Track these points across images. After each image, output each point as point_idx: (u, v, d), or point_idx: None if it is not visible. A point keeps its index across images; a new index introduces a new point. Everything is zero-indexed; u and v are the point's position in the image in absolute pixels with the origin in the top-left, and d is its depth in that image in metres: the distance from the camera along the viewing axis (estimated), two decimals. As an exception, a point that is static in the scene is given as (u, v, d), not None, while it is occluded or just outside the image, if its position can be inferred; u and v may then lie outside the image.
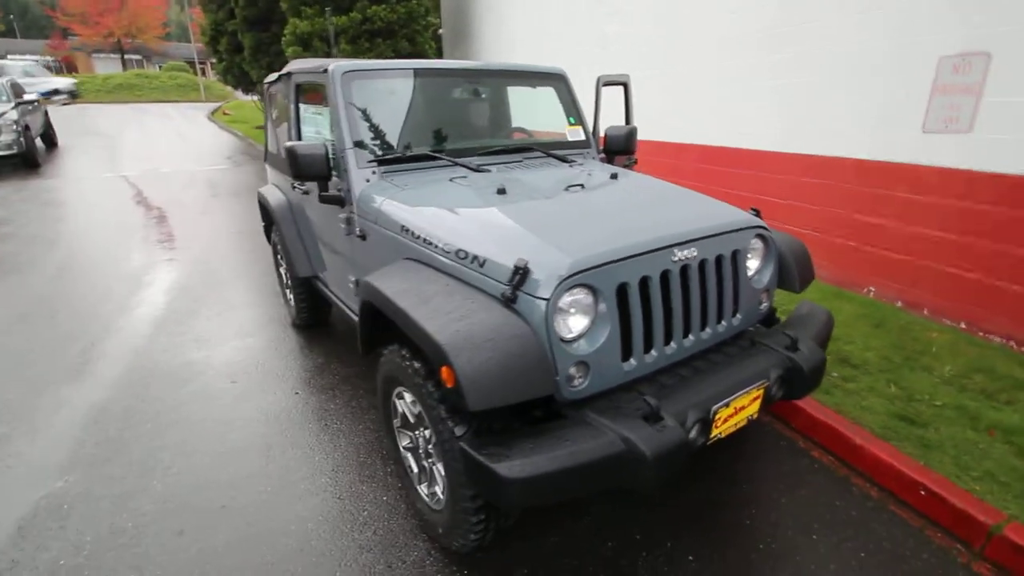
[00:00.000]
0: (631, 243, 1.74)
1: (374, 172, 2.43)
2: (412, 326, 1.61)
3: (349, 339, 3.77)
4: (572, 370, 1.62)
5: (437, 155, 2.56)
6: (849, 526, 2.10)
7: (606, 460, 1.49)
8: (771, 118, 4.44)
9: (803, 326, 2.20)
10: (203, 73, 31.55)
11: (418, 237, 1.98)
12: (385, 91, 2.59)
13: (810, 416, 2.59)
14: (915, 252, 3.62)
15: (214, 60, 19.29)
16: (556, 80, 3.11)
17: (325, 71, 2.50)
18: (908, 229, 3.63)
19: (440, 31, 14.20)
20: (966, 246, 3.34)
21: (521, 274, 1.58)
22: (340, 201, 2.47)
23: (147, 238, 6.31)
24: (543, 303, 1.56)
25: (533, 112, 3.20)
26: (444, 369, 1.47)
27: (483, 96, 2.96)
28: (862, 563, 1.94)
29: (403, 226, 2.06)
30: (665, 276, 1.77)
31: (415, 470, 2.08)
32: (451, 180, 2.38)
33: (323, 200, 2.47)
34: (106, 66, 34.31)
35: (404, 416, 2.05)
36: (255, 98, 18.45)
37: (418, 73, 2.70)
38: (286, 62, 16.50)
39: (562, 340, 1.59)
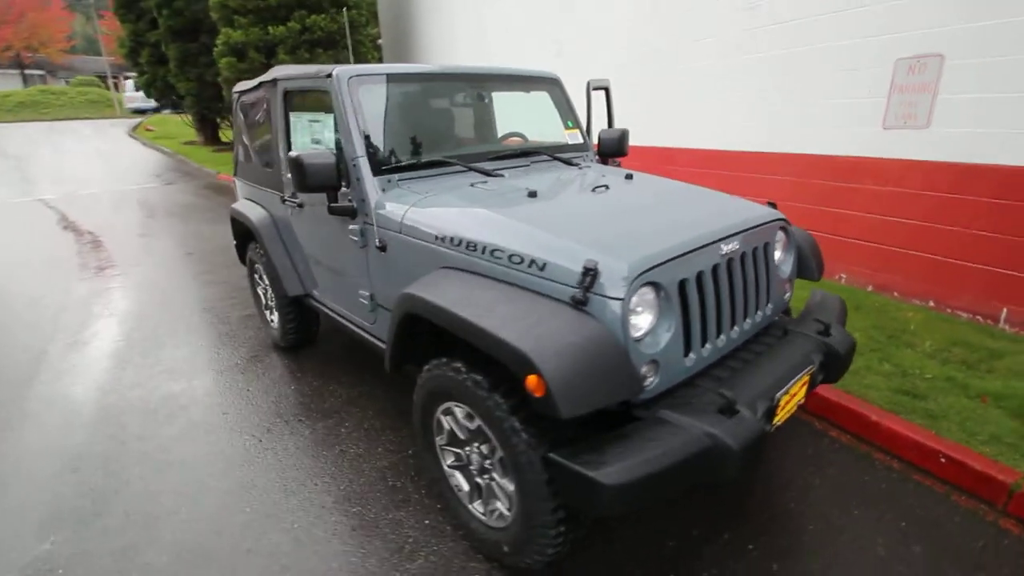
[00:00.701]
0: (686, 239, 1.75)
1: (389, 180, 2.32)
2: (482, 336, 1.54)
3: (346, 357, 3.57)
4: (644, 369, 1.60)
5: (450, 161, 2.49)
6: (882, 499, 2.20)
7: (696, 457, 1.47)
8: (743, 120, 4.66)
9: (825, 312, 2.30)
10: (116, 88, 29.35)
11: (459, 244, 1.90)
12: (391, 96, 2.48)
13: (823, 398, 2.71)
14: (882, 239, 3.90)
15: (134, 74, 18.00)
16: (551, 84, 3.11)
17: (329, 76, 2.37)
18: (874, 218, 3.91)
19: (380, 41, 13.97)
20: (928, 230, 3.63)
21: (592, 275, 1.54)
22: (351, 212, 2.34)
23: (85, 265, 5.76)
24: (617, 303, 1.53)
25: (529, 117, 3.18)
26: (532, 378, 1.40)
27: (485, 100, 2.91)
28: (905, 532, 2.03)
29: (439, 235, 1.97)
30: (715, 270, 1.80)
31: (465, 488, 1.99)
32: (472, 186, 2.31)
33: (332, 212, 2.33)
34: (4, 82, 31.20)
35: (452, 433, 1.95)
36: (181, 114, 17.37)
37: (422, 77, 2.62)
38: (217, 74, 15.76)
39: (634, 340, 1.57)
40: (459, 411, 1.85)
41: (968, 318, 3.49)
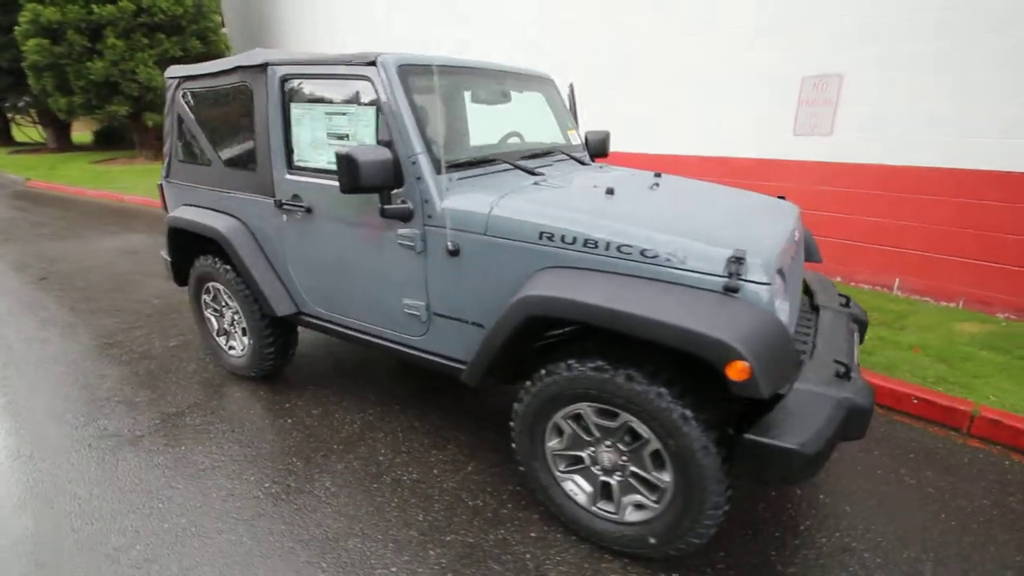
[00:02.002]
0: (784, 229, 1.94)
1: (450, 179, 2.16)
2: (662, 329, 1.53)
3: (332, 376, 3.19)
4: None
5: (498, 159, 2.40)
6: (880, 439, 2.66)
7: (847, 420, 1.65)
8: (680, 127, 5.15)
9: (826, 288, 2.69)
10: None
11: (573, 242, 1.85)
12: (435, 88, 2.30)
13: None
14: (794, 227, 4.62)
15: None
16: (548, 84, 3.14)
17: (372, 63, 2.12)
18: (787, 210, 4.63)
19: (224, 29, 12.50)
20: (835, 219, 4.41)
21: (740, 264, 1.64)
22: (407, 215, 2.13)
23: None
24: (766, 288, 1.65)
25: (528, 116, 3.17)
26: (738, 364, 1.44)
27: (510, 98, 2.83)
28: (901, 459, 2.48)
29: (545, 233, 1.90)
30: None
31: (586, 491, 1.95)
32: (536, 184, 2.25)
33: (386, 214, 2.10)
34: None
35: (573, 437, 1.90)
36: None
37: (463, 71, 2.48)
38: (19, 59, 13.06)
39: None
40: (589, 410, 1.82)
41: (869, 288, 4.32)
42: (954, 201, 3.84)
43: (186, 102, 2.96)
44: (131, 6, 10.31)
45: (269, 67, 2.45)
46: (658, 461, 1.75)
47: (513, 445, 2.07)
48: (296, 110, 2.42)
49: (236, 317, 3.08)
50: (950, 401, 2.72)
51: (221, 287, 3.03)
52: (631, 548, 1.89)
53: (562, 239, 1.88)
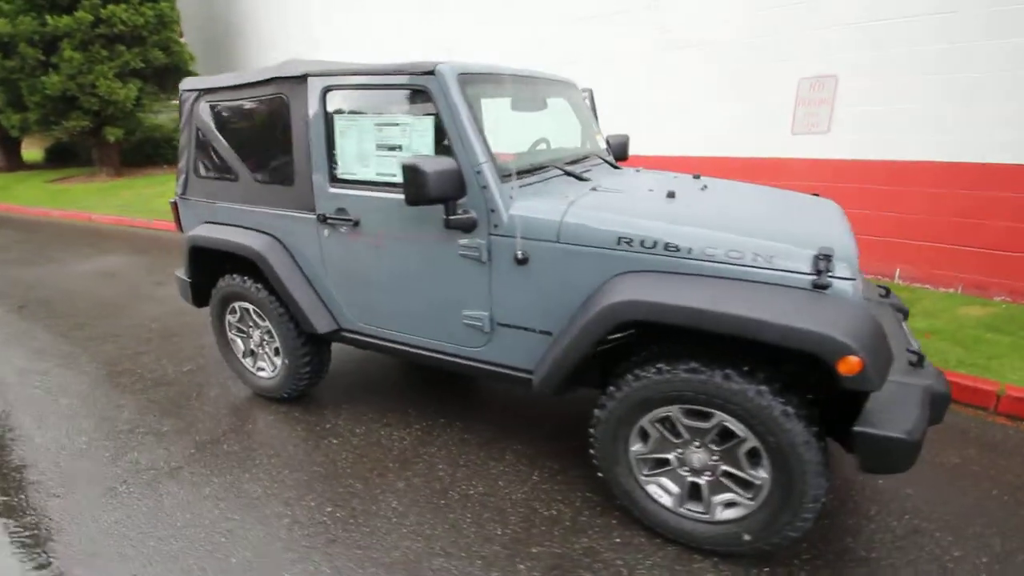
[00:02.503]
0: (845, 225, 2.01)
1: (513, 187, 2.14)
2: (773, 328, 1.55)
3: (367, 391, 3.11)
4: None
5: (551, 165, 2.40)
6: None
7: (932, 407, 1.72)
8: (679, 129, 5.26)
9: (865, 281, 2.79)
10: None
11: (654, 246, 1.87)
12: (490, 97, 2.29)
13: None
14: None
15: None
16: (572, 90, 3.16)
17: (430, 73, 2.08)
18: (787, 206, 4.79)
19: (182, 39, 12.06)
20: (830, 214, 4.58)
21: (827, 262, 1.68)
22: (470, 225, 2.10)
23: None
24: (852, 283, 1.70)
25: (556, 123, 3.17)
26: (850, 359, 1.48)
27: (547, 105, 2.83)
28: (937, 438, 2.60)
29: (624, 238, 1.91)
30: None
31: (675, 492, 1.95)
32: (595, 190, 2.26)
33: (451, 225, 2.07)
34: None
35: (659, 439, 1.91)
36: None
37: (505, 79, 2.46)
38: None
39: None
40: (681, 413, 1.83)
41: (872, 278, 4.51)
42: (947, 192, 4.06)
43: (208, 115, 2.84)
44: (89, 17, 9.82)
45: (310, 78, 2.38)
46: (753, 458, 1.78)
47: (592, 452, 2.07)
48: (341, 122, 2.36)
49: (266, 337, 2.96)
50: (975, 382, 2.87)
51: (250, 307, 2.91)
52: (723, 546, 1.90)
53: (641, 244, 1.89)
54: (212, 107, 2.82)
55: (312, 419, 2.91)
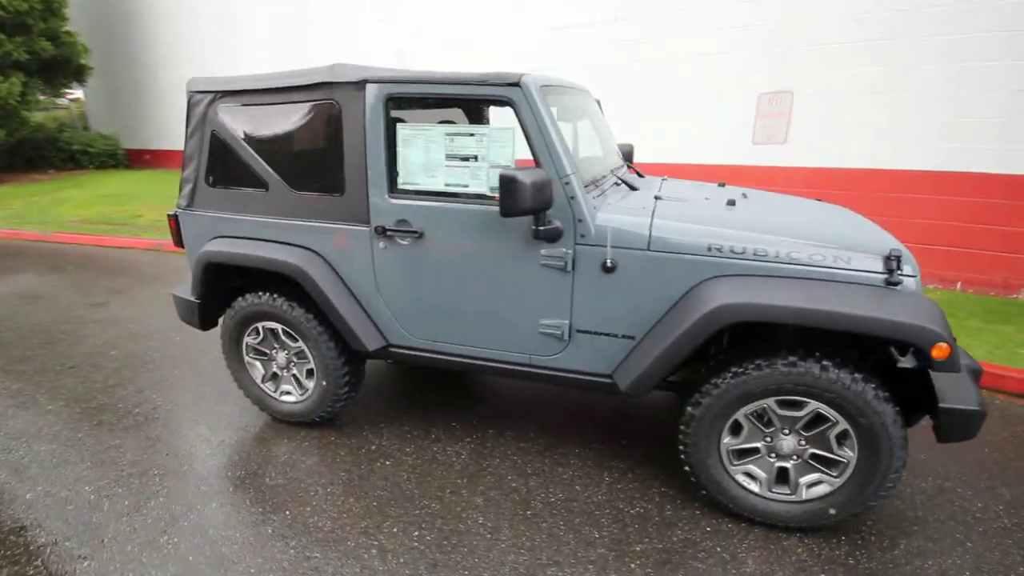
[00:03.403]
0: (878, 227, 2.29)
1: (594, 196, 2.20)
2: (877, 322, 1.75)
3: (401, 408, 3.00)
4: None
5: (612, 175, 2.49)
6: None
7: (973, 380, 2.03)
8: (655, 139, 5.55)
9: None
10: None
11: (742, 253, 2.02)
12: (553, 107, 2.32)
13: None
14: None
15: None
16: (589, 99, 3.26)
17: (515, 84, 2.08)
18: (748, 210, 5.27)
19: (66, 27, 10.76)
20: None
21: (898, 261, 1.93)
22: (558, 235, 2.13)
23: None
24: (915, 279, 1.96)
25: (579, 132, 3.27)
26: (942, 345, 1.71)
27: (586, 115, 2.89)
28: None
29: (714, 245, 2.03)
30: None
31: (763, 477, 2.12)
32: (660, 199, 2.38)
33: (541, 236, 2.09)
34: None
35: (751, 430, 2.07)
36: None
37: (566, 90, 2.52)
38: None
39: None
40: (775, 404, 1.99)
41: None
42: (894, 196, 4.68)
43: (229, 119, 2.59)
44: (-45, -3, 8.40)
45: (369, 84, 2.27)
46: (841, 439, 1.98)
47: (681, 448, 2.18)
48: (405, 131, 2.27)
49: (295, 359, 2.76)
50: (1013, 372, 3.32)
51: (278, 327, 2.70)
52: (810, 523, 2.10)
53: (731, 251, 2.03)
54: (235, 110, 2.58)
55: (352, 442, 2.76)
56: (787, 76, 4.81)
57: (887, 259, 1.95)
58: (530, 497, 2.36)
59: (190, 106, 2.66)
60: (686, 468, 2.20)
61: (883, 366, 2.06)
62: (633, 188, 2.60)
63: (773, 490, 2.12)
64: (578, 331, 2.28)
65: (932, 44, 4.25)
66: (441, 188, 2.30)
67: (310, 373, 2.75)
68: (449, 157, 2.26)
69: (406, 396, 3.21)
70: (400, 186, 2.35)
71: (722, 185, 2.97)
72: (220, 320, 2.85)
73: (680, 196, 2.47)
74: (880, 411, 1.86)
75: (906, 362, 1.97)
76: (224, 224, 2.70)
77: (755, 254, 2.02)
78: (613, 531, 2.17)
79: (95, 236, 6.93)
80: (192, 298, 2.84)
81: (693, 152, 5.37)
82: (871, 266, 1.96)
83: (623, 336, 2.23)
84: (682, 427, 2.15)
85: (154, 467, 2.57)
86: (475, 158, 2.22)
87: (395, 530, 2.17)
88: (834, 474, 2.03)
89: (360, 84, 2.29)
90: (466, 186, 2.26)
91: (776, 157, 5.02)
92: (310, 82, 2.37)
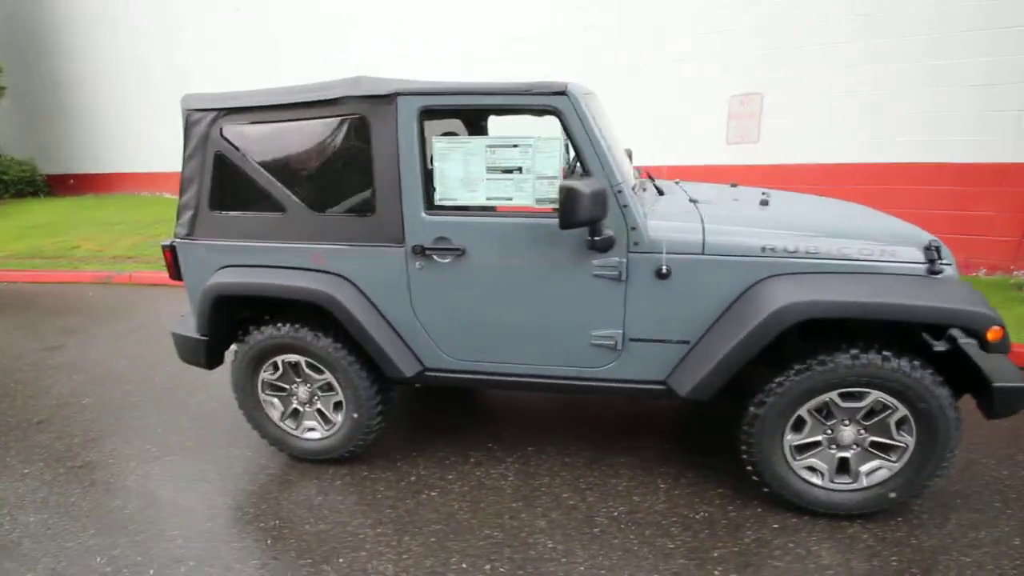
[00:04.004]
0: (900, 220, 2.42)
1: (643, 202, 2.19)
2: (930, 313, 1.83)
3: (438, 429, 2.86)
4: None
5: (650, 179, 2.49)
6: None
7: None
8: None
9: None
10: None
11: (794, 252, 2.06)
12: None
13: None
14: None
15: None
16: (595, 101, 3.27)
17: (561, 93, 2.04)
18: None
19: None
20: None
21: (937, 252, 2.03)
22: (610, 244, 2.10)
23: None
24: (952, 267, 2.07)
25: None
26: (995, 328, 1.81)
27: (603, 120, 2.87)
28: None
29: (768, 246, 2.07)
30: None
31: (824, 469, 2.16)
32: (694, 202, 2.39)
33: (597, 246, 2.06)
34: None
35: (815, 425, 2.11)
36: None
37: (591, 96, 2.49)
38: None
39: None
40: (838, 397, 2.04)
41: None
42: (864, 189, 4.98)
43: (236, 138, 2.38)
44: None
45: (400, 97, 2.16)
46: (900, 425, 2.06)
47: (744, 448, 2.19)
48: (441, 144, 2.17)
49: (320, 392, 2.57)
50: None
51: (300, 360, 2.51)
52: (871, 508, 2.16)
53: (785, 250, 2.07)
54: (243, 128, 2.37)
55: (388, 475, 2.60)
56: (757, 79, 5.04)
57: (927, 250, 2.05)
58: (592, 513, 2.30)
59: (188, 125, 2.43)
60: (748, 467, 2.22)
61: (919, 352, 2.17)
62: (661, 192, 2.62)
63: (835, 481, 2.18)
64: (631, 340, 2.25)
65: (894, 47, 4.58)
66: (483, 202, 2.21)
67: (337, 406, 2.58)
68: (490, 170, 2.18)
69: (431, 420, 3.07)
70: (437, 202, 2.24)
71: (734, 185, 3.05)
72: (233, 356, 2.62)
73: (713, 198, 2.50)
74: (938, 395, 1.95)
75: (940, 346, 2.09)
76: (233, 253, 2.48)
77: (808, 252, 2.07)
78: (685, 539, 2.15)
79: (30, 272, 6.26)
80: (197, 335, 2.59)
81: (668, 154, 5.52)
82: (914, 257, 2.05)
83: (677, 341, 2.22)
84: (745, 427, 2.16)
85: (170, 527, 2.31)
86: (519, 170, 2.16)
87: (464, 565, 2.05)
88: (893, 459, 2.10)
89: (390, 97, 2.17)
90: (510, 199, 2.19)
91: (750, 156, 5.25)
92: (332, 96, 2.22)
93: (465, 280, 2.29)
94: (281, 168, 2.39)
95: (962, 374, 2.06)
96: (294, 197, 2.36)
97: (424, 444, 2.84)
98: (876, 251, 2.06)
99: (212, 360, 2.66)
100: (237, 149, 2.39)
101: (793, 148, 5.10)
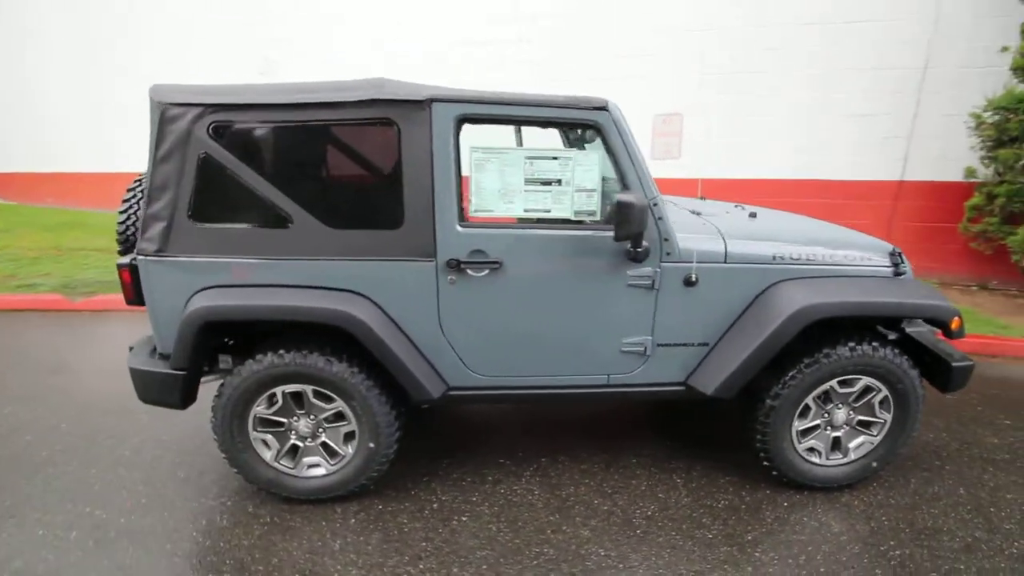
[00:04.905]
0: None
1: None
2: (916, 307, 2.20)
3: (459, 446, 2.72)
4: None
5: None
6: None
7: None
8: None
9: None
10: None
11: (797, 260, 2.32)
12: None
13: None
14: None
15: None
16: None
17: (602, 108, 2.08)
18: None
19: None
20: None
21: (899, 256, 2.43)
22: (647, 254, 2.19)
23: None
24: (909, 268, 2.49)
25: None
26: (956, 319, 2.21)
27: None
28: None
29: (778, 254, 2.30)
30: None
31: (821, 448, 2.45)
32: (699, 214, 2.59)
33: (639, 257, 2.14)
34: None
35: (817, 411, 2.39)
36: None
37: None
38: None
39: None
40: (836, 384, 2.33)
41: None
42: (769, 200, 5.69)
43: (228, 140, 2.05)
44: None
45: (436, 104, 2.03)
46: (881, 404, 2.41)
47: (759, 438, 2.40)
48: (479, 154, 2.09)
49: (326, 423, 2.32)
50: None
51: (308, 389, 2.23)
52: (857, 478, 2.50)
53: (791, 258, 2.33)
54: (237, 129, 2.06)
55: (407, 505, 2.42)
56: (677, 100, 5.54)
57: (892, 255, 2.44)
58: (628, 516, 2.37)
59: (163, 122, 2.05)
60: (762, 455, 2.44)
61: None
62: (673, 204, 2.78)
63: (830, 458, 2.49)
64: (659, 345, 2.36)
65: (796, 79, 5.32)
66: (520, 214, 2.18)
67: (348, 436, 2.34)
68: (528, 182, 2.15)
69: (429, 441, 2.90)
70: (472, 214, 2.15)
71: (703, 199, 3.34)
72: (219, 391, 2.24)
73: (710, 211, 2.72)
74: (912, 375, 2.33)
75: (892, 335, 2.51)
76: (219, 270, 2.14)
77: (808, 259, 2.35)
78: (719, 527, 2.30)
79: None
80: (169, 370, 2.18)
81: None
82: (884, 262, 2.43)
83: (698, 344, 2.38)
84: (761, 419, 2.37)
85: (162, 602, 1.92)
86: (558, 182, 2.16)
87: (525, 586, 1.99)
88: (874, 433, 2.46)
89: (424, 103, 2.04)
90: (548, 211, 2.18)
91: (674, 170, 5.73)
92: (356, 99, 2.02)
93: (500, 293, 2.23)
94: (285, 175, 2.12)
95: (916, 359, 2.48)
96: (301, 208, 2.11)
97: (432, 467, 2.68)
98: (857, 257, 2.41)
99: (187, 398, 2.26)
100: (229, 152, 2.07)
101: (708, 164, 5.69)
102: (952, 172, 4.82)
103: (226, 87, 2.08)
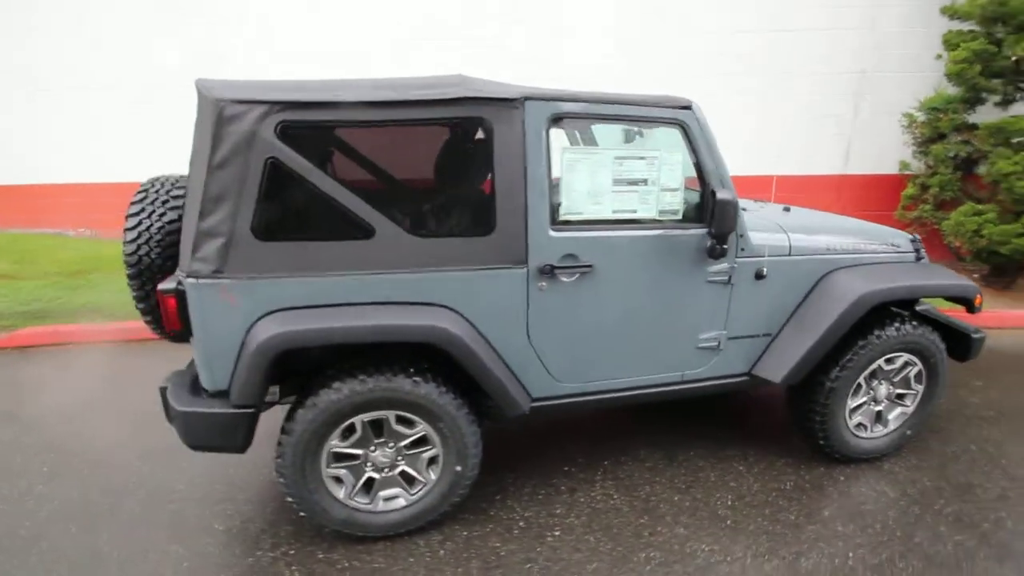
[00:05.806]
0: (865, 219, 3.11)
1: (738, 214, 2.38)
2: (952, 290, 2.44)
3: (523, 454, 2.60)
4: None
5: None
6: None
7: None
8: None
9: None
10: None
11: (845, 250, 2.50)
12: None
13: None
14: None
15: None
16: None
17: (687, 107, 2.09)
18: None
19: None
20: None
21: (919, 243, 2.70)
22: (725, 251, 2.24)
23: None
24: (925, 254, 2.77)
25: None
26: (978, 297, 2.49)
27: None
28: None
29: (831, 246, 2.46)
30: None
31: (867, 423, 2.65)
32: (743, 210, 2.68)
33: (722, 254, 2.19)
34: None
35: (866, 388, 2.58)
36: None
37: None
38: None
39: None
40: (883, 361, 2.53)
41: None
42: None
43: (301, 143, 1.79)
44: None
45: (530, 102, 1.93)
46: (916, 377, 2.65)
47: (817, 419, 2.53)
48: (571, 154, 2.02)
49: (406, 450, 2.12)
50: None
51: (391, 415, 2.03)
52: (896, 446, 2.73)
53: (841, 249, 2.50)
54: (309, 130, 1.81)
55: (490, 528, 2.28)
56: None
57: (912, 242, 2.70)
58: (713, 508, 2.41)
59: (221, 122, 1.75)
60: (819, 434, 2.58)
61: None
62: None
63: (873, 430, 2.70)
64: (730, 338, 2.43)
65: (765, 82, 5.64)
66: (608, 216, 2.13)
67: (432, 461, 2.16)
68: (616, 182, 2.11)
69: (509, 439, 2.76)
70: (563, 217, 2.08)
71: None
72: (284, 427, 1.97)
73: (749, 207, 2.84)
74: (941, 348, 2.59)
75: (906, 314, 2.79)
76: (293, 290, 1.88)
77: (854, 250, 2.53)
78: (796, 509, 2.41)
79: None
80: (232, 408, 1.89)
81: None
82: (908, 248, 2.68)
83: (763, 335, 2.48)
84: (822, 400, 2.51)
85: None
86: (644, 182, 2.14)
87: (650, 594, 1.96)
88: (908, 404, 2.71)
89: (518, 101, 1.93)
90: (634, 211, 2.16)
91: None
92: (446, 96, 1.86)
93: (589, 298, 2.17)
94: (365, 180, 1.91)
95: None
96: (385, 218, 1.91)
97: (497, 483, 2.55)
98: (889, 247, 2.63)
99: (249, 438, 1.97)
100: (301, 155, 1.82)
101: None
102: (888, 166, 5.44)
103: (293, 83, 1.83)
